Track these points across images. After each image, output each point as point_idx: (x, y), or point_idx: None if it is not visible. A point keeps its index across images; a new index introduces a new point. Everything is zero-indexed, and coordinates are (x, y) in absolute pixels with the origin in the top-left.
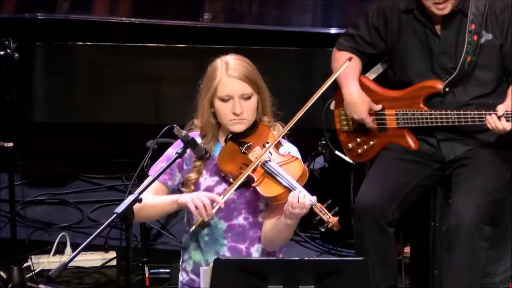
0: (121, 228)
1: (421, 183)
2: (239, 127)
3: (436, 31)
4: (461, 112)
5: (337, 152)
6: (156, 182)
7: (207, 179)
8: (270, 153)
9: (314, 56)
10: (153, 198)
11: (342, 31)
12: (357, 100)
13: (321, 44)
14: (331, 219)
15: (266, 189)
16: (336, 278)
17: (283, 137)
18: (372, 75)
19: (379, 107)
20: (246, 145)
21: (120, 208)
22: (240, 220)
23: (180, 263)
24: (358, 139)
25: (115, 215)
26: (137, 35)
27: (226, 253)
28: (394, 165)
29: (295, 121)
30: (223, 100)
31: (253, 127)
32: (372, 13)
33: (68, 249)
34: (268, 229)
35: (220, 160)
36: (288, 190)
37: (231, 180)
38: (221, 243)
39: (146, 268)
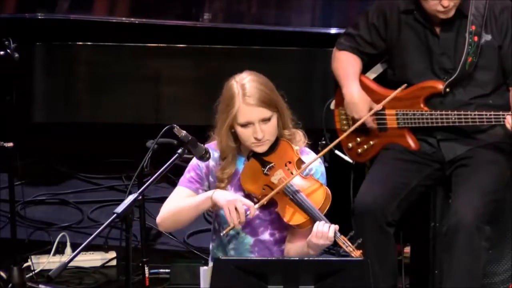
0: (121, 228)
1: (421, 183)
2: (261, 149)
3: (435, 32)
4: (461, 112)
5: (337, 152)
6: (187, 191)
7: None
8: (291, 173)
9: (314, 56)
10: (183, 201)
11: (342, 31)
12: (357, 100)
13: (321, 44)
14: (355, 253)
15: (289, 216)
16: (336, 278)
17: (306, 146)
18: (372, 75)
19: (380, 106)
20: (268, 166)
21: (120, 208)
22: (266, 236)
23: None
24: (358, 139)
25: (115, 215)
26: (137, 35)
27: None
28: (394, 165)
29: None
30: (243, 125)
31: (275, 145)
32: (372, 13)
33: (68, 249)
34: (291, 253)
35: (243, 179)
36: (311, 218)
37: (254, 199)
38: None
39: (146, 268)
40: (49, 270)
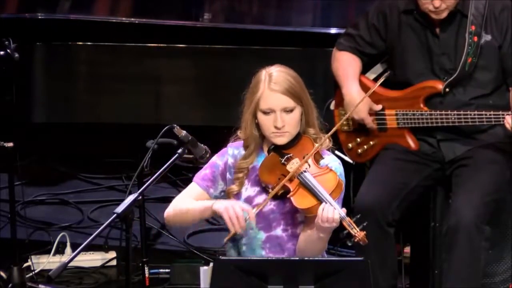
0: (121, 228)
1: (421, 183)
2: (281, 140)
3: (435, 32)
4: (461, 112)
5: (337, 152)
6: (198, 188)
7: (248, 189)
8: (309, 165)
9: (314, 56)
10: (190, 202)
11: (342, 31)
12: (357, 100)
13: (321, 44)
14: (358, 234)
15: (300, 200)
16: (336, 278)
17: (327, 150)
18: (372, 75)
19: (379, 107)
20: (286, 157)
21: (120, 208)
22: (279, 231)
23: None
24: (358, 139)
25: (115, 215)
26: (137, 35)
27: None
28: (394, 165)
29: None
30: (265, 113)
31: (296, 139)
32: (372, 13)
33: (68, 249)
34: (302, 241)
35: (261, 170)
36: (320, 202)
37: (270, 190)
38: (259, 253)
39: (146, 268)
40: (49, 270)
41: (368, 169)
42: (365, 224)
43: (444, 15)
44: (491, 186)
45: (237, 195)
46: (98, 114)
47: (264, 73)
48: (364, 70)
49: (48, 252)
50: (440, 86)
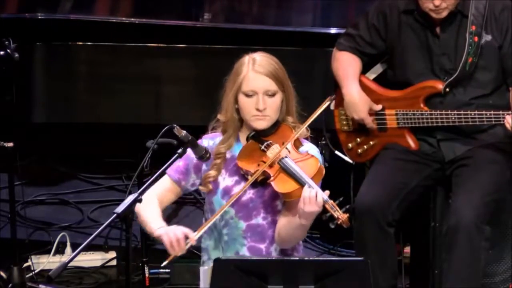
0: (121, 228)
1: (421, 183)
2: (261, 124)
3: (436, 32)
4: (461, 112)
5: (337, 152)
6: (169, 180)
7: (226, 179)
8: (289, 151)
9: (314, 56)
10: (148, 209)
11: (342, 31)
12: (357, 100)
13: (321, 44)
14: (341, 216)
15: (281, 185)
16: (336, 278)
17: (306, 139)
18: (372, 75)
19: (379, 107)
20: (265, 144)
21: (120, 208)
22: (259, 220)
23: (201, 264)
24: (358, 139)
25: (115, 215)
26: (137, 35)
27: (246, 253)
28: (394, 165)
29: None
30: (247, 95)
31: (275, 126)
32: (372, 13)
33: (68, 249)
34: (282, 227)
35: (240, 157)
36: (302, 187)
37: (249, 178)
38: (241, 243)
39: (146, 268)
40: (49, 270)
41: (368, 169)
42: (347, 206)
43: (444, 14)
44: (491, 186)
45: (214, 184)
46: (98, 114)
47: (247, 58)
48: (364, 70)
49: (48, 252)
50: (440, 86)
